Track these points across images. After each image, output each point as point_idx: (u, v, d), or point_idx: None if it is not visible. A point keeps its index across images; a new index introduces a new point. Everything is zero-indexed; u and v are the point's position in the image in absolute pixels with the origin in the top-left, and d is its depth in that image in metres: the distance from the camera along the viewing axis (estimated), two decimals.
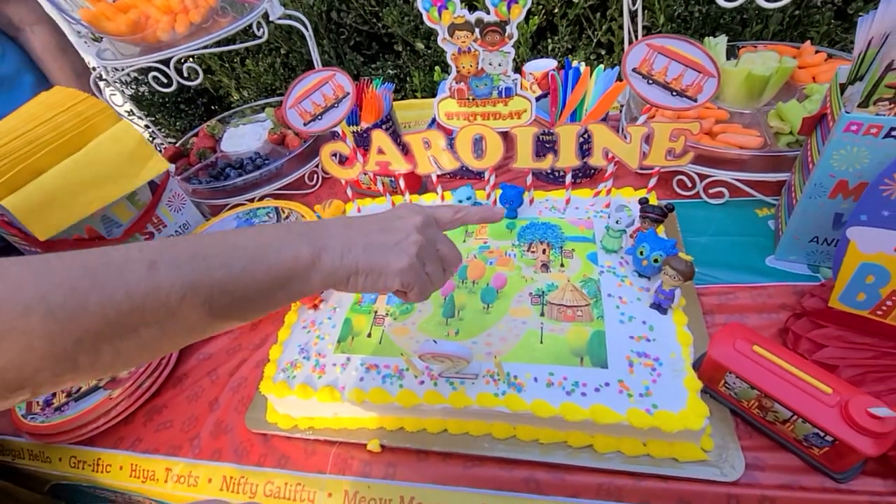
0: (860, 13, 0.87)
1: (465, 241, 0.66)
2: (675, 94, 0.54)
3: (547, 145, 0.73)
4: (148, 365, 0.63)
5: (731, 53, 0.80)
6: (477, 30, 0.54)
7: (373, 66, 1.23)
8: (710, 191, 0.70)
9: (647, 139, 0.58)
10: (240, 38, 1.10)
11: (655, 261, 0.53)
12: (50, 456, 0.64)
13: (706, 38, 0.83)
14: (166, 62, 0.77)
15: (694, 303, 0.58)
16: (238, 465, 0.55)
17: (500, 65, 0.57)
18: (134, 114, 1.49)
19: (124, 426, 0.62)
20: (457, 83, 0.59)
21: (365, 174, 0.74)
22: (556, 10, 1.08)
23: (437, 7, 0.53)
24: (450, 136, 0.64)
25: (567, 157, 0.62)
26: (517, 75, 0.58)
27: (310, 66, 1.13)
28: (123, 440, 0.61)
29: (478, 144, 0.64)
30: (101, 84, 0.88)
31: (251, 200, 0.90)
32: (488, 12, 0.53)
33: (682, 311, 0.53)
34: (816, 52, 0.77)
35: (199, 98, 1.44)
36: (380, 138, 0.66)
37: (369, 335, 0.57)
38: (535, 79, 0.88)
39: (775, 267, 0.61)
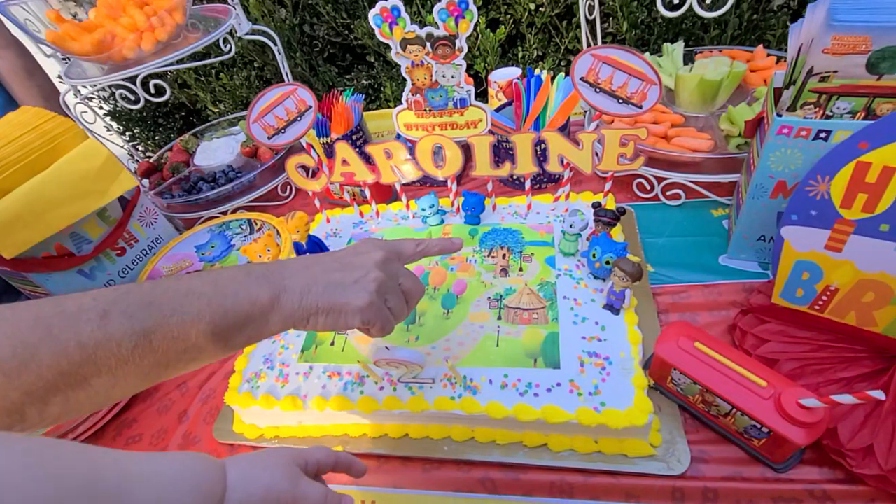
0: None
1: None
2: (621, 101, 0.56)
3: (509, 152, 0.75)
4: None
5: (690, 58, 0.83)
6: (428, 44, 0.56)
7: (347, 77, 1.25)
8: (668, 193, 0.72)
9: (601, 144, 0.60)
10: (214, 53, 1.12)
11: (607, 263, 0.55)
12: None
13: (665, 44, 0.86)
14: (133, 79, 0.78)
15: (649, 302, 0.59)
16: None
17: (452, 76, 0.58)
18: (112, 129, 1.50)
19: (94, 441, 0.63)
20: (413, 95, 0.61)
21: (332, 184, 0.75)
22: (523, 19, 1.10)
23: (388, 23, 0.55)
24: (411, 144, 0.65)
25: (524, 165, 0.64)
26: (470, 86, 0.59)
27: (283, 79, 1.14)
28: None
29: (438, 154, 0.65)
30: (74, 101, 0.89)
31: (224, 213, 0.91)
32: (438, 27, 0.54)
33: (633, 310, 0.54)
34: (768, 55, 0.79)
35: (177, 112, 1.44)
36: (343, 150, 0.68)
37: (332, 343, 0.58)
38: (499, 87, 0.90)
39: (727, 265, 0.63)
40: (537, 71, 0.80)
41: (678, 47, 0.83)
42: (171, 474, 0.26)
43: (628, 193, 0.76)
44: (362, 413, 0.52)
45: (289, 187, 0.96)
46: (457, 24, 0.54)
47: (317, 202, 0.77)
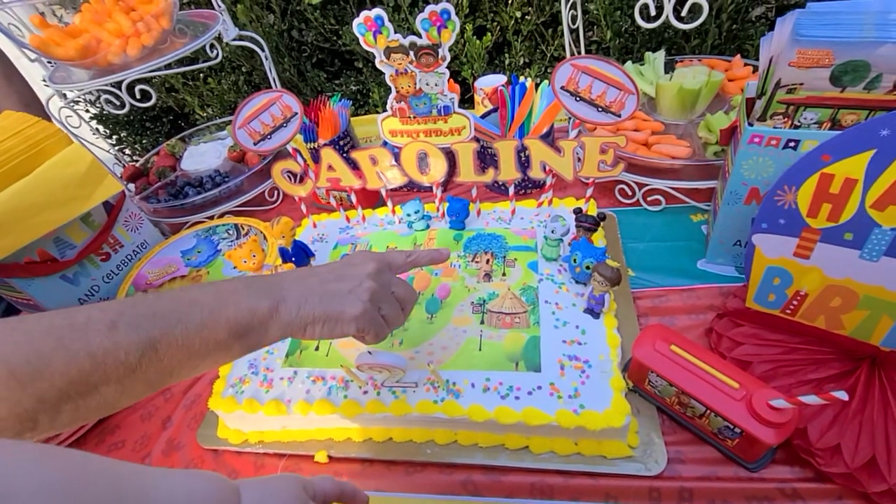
0: None
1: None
2: (600, 109, 0.58)
3: (495, 158, 0.76)
4: None
5: (671, 67, 0.85)
6: (411, 52, 0.57)
7: (335, 82, 1.25)
8: (649, 198, 0.74)
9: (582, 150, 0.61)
10: (202, 58, 1.12)
11: (587, 267, 0.56)
12: None
13: (647, 52, 0.88)
14: (118, 84, 0.77)
15: (629, 306, 0.61)
16: None
17: (436, 84, 0.59)
18: (98, 133, 1.48)
19: (76, 447, 0.62)
20: (397, 102, 0.62)
21: (319, 189, 0.76)
22: (509, 27, 1.12)
23: (372, 32, 0.56)
24: (396, 151, 0.66)
25: (508, 171, 0.65)
26: (454, 94, 0.60)
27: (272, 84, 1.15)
28: None
29: (423, 160, 0.66)
30: (59, 105, 0.89)
31: (211, 218, 0.91)
32: (421, 36, 0.55)
33: (613, 315, 0.55)
34: (745, 64, 0.82)
35: (165, 116, 1.44)
36: (329, 155, 0.68)
37: (317, 348, 0.59)
38: (485, 94, 0.91)
39: (706, 270, 0.64)
40: (522, 78, 0.81)
41: (659, 56, 0.85)
42: (192, 494, 0.26)
43: (610, 199, 0.78)
44: (346, 417, 0.52)
45: (276, 192, 0.96)
46: (439, 33, 0.55)
47: (303, 207, 0.77)
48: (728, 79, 0.79)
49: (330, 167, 0.69)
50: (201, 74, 1.27)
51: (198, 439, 0.59)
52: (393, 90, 0.61)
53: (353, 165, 0.69)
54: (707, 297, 0.61)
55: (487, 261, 0.64)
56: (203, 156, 0.99)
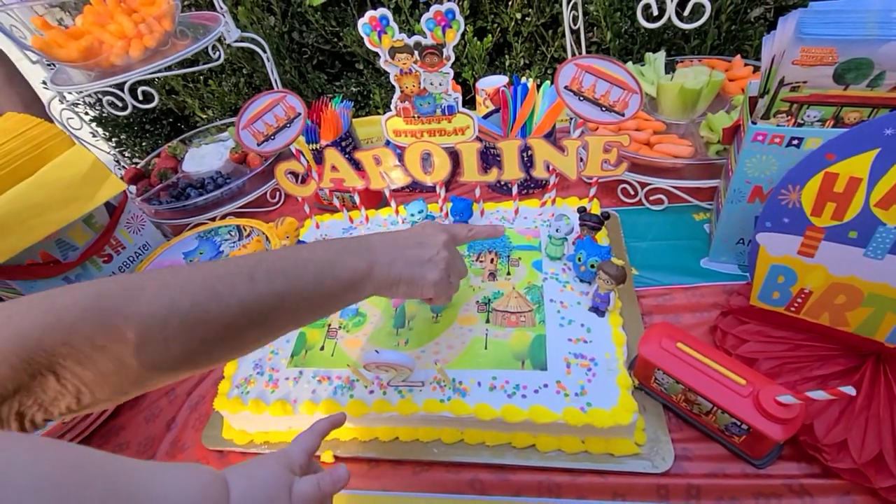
0: None
1: None
2: (604, 109, 0.58)
3: (497, 158, 0.76)
4: None
5: (671, 67, 0.85)
6: (416, 52, 0.57)
7: (336, 84, 1.26)
8: (651, 198, 0.74)
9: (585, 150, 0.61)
10: (203, 60, 1.12)
11: (592, 266, 0.56)
12: None
13: (647, 53, 0.88)
14: (121, 86, 0.77)
15: (633, 304, 0.61)
16: None
17: (440, 84, 0.60)
18: (98, 135, 1.48)
19: None
20: (401, 102, 0.62)
21: (321, 190, 0.76)
22: (510, 28, 1.12)
23: (377, 31, 0.56)
24: (399, 151, 0.66)
25: (511, 171, 0.65)
26: (458, 94, 0.60)
27: (273, 86, 1.15)
28: None
29: (427, 160, 0.66)
30: (60, 108, 0.89)
31: (213, 219, 0.91)
32: (425, 36, 0.55)
33: (618, 312, 0.55)
34: (745, 65, 0.82)
35: (165, 118, 1.44)
36: (332, 156, 0.68)
37: (322, 348, 0.59)
38: (487, 95, 0.92)
39: (709, 268, 0.65)
40: (524, 79, 0.82)
41: (660, 56, 0.86)
42: (183, 487, 0.27)
43: (613, 198, 0.78)
44: (352, 417, 0.52)
45: (278, 193, 0.96)
46: (444, 33, 0.55)
47: (306, 208, 0.77)
48: (728, 79, 0.80)
49: (333, 167, 0.69)
50: (202, 77, 1.27)
51: (203, 440, 0.58)
52: (397, 90, 0.61)
53: (357, 166, 0.69)
54: (711, 296, 0.61)
55: (492, 260, 0.64)
56: (204, 157, 0.99)
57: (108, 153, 1.13)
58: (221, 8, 0.87)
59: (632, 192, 0.76)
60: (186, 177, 0.97)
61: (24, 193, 0.66)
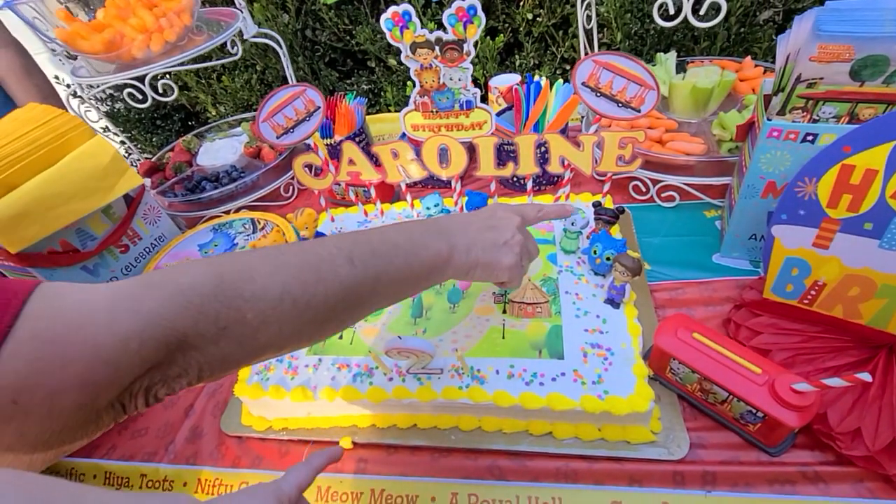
0: None
1: None
2: (620, 105, 0.59)
3: (510, 154, 0.78)
4: None
5: (682, 68, 0.86)
6: (437, 47, 0.58)
7: (347, 81, 1.27)
8: (663, 195, 0.75)
9: (600, 147, 0.62)
10: (216, 55, 1.13)
11: (608, 259, 0.57)
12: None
13: (658, 53, 0.89)
14: (141, 79, 0.79)
15: (646, 298, 0.62)
16: (213, 467, 0.56)
17: (459, 79, 0.61)
18: (109, 130, 1.50)
19: (101, 435, 0.63)
20: (420, 97, 0.63)
21: (338, 184, 0.77)
22: (521, 28, 1.14)
23: (399, 27, 0.57)
24: (417, 146, 0.67)
25: (526, 166, 0.66)
26: (476, 89, 0.62)
27: (285, 81, 1.16)
28: (98, 449, 0.61)
29: (443, 154, 0.67)
30: (76, 101, 0.90)
31: (227, 213, 0.92)
32: (447, 31, 0.57)
33: (633, 305, 0.56)
34: (756, 65, 0.83)
35: (176, 114, 1.45)
36: (350, 150, 0.70)
37: (341, 337, 0.59)
38: (500, 92, 0.93)
39: (721, 263, 0.66)
40: (537, 77, 0.83)
41: (671, 57, 0.87)
42: None
43: (625, 195, 0.79)
44: (372, 403, 0.53)
45: (291, 187, 0.97)
46: (465, 28, 0.56)
47: (322, 201, 0.78)
48: (739, 79, 0.81)
49: (351, 161, 0.70)
50: (215, 73, 1.29)
51: (221, 426, 0.59)
52: (417, 85, 0.62)
53: (373, 160, 0.70)
54: (723, 290, 0.62)
55: None
56: (219, 151, 1.00)
57: (122, 147, 1.14)
58: (240, 4, 0.88)
59: (643, 190, 0.77)
60: (201, 170, 0.98)
61: (46, 183, 0.67)
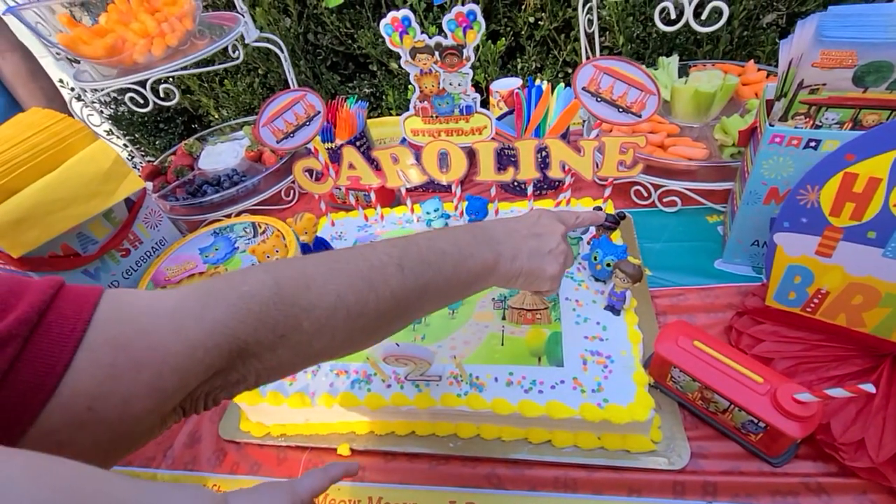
0: None
1: None
2: (621, 110, 0.59)
3: (510, 159, 0.77)
4: None
5: (684, 72, 0.86)
6: (436, 53, 0.58)
7: (349, 85, 1.27)
8: (664, 199, 0.75)
9: (601, 152, 0.62)
10: (218, 60, 1.13)
11: (608, 265, 0.57)
12: None
13: (661, 57, 0.89)
14: (143, 83, 0.79)
15: (647, 304, 0.61)
16: (211, 473, 0.56)
17: (459, 84, 0.60)
18: (112, 133, 1.50)
19: None
20: (420, 102, 0.63)
21: (338, 189, 0.77)
22: (523, 32, 1.13)
23: (399, 32, 0.57)
24: (417, 151, 0.67)
25: (527, 170, 0.66)
26: (476, 94, 0.61)
27: (287, 85, 1.16)
28: None
29: (443, 159, 0.67)
30: (79, 105, 0.90)
31: (228, 216, 0.92)
32: (446, 37, 0.57)
33: (633, 311, 0.56)
34: (758, 70, 0.83)
35: (178, 117, 1.46)
36: (350, 154, 0.69)
37: None
38: (501, 96, 0.93)
39: (723, 269, 0.65)
40: (538, 81, 0.83)
41: (673, 61, 0.86)
42: None
43: (626, 200, 0.78)
44: (369, 410, 0.52)
45: (292, 192, 0.97)
46: (465, 34, 0.56)
47: (322, 205, 0.78)
48: (742, 83, 0.80)
49: (351, 166, 0.70)
50: (217, 76, 1.29)
51: (220, 432, 0.59)
52: (416, 90, 0.62)
53: (374, 164, 0.70)
54: (725, 296, 0.61)
55: None
56: (220, 155, 1.01)
57: (124, 150, 1.15)
58: (242, 8, 0.88)
59: (645, 194, 0.76)
60: (202, 174, 0.98)
61: (48, 187, 0.67)
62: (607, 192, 0.67)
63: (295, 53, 1.21)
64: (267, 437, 0.57)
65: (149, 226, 0.85)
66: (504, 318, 0.57)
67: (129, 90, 0.79)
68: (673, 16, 0.62)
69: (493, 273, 0.41)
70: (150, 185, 0.98)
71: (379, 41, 1.16)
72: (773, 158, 0.53)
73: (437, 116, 0.64)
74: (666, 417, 0.50)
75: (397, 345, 0.48)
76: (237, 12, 0.92)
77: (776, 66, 0.96)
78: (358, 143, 0.91)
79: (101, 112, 1.49)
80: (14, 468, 0.19)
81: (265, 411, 0.56)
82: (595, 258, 0.58)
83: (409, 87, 1.21)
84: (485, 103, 1.03)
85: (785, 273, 0.50)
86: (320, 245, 0.67)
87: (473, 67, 1.18)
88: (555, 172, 0.65)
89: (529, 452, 0.50)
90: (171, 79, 1.32)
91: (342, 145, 0.80)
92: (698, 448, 0.48)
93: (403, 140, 0.69)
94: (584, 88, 0.59)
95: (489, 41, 1.11)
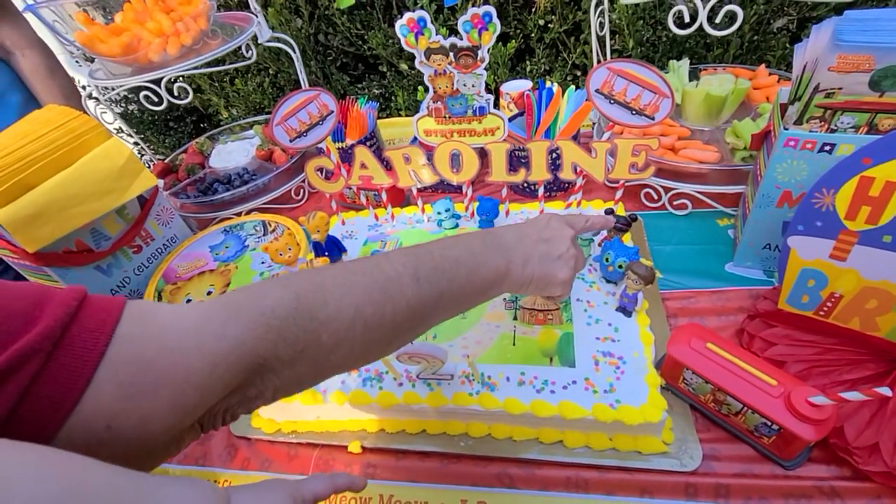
0: None
1: None
2: (634, 112, 0.59)
3: (521, 160, 0.77)
4: None
5: (694, 75, 0.86)
6: (451, 54, 0.58)
7: (359, 86, 1.28)
8: (675, 202, 0.75)
9: (613, 154, 0.62)
10: (230, 59, 1.14)
11: (620, 266, 0.57)
12: None
13: (671, 61, 0.89)
14: (157, 82, 0.80)
15: (658, 306, 0.61)
16: (222, 469, 0.57)
17: (473, 86, 0.61)
18: (123, 131, 1.51)
19: None
20: (434, 102, 0.63)
21: (349, 188, 0.77)
22: (533, 35, 1.14)
23: (414, 33, 0.58)
24: (429, 151, 0.68)
25: (538, 172, 0.66)
26: (490, 95, 0.62)
27: (297, 85, 1.17)
28: None
29: (455, 159, 0.68)
30: (91, 103, 0.91)
31: (238, 215, 0.92)
32: (461, 38, 0.57)
33: (645, 313, 0.56)
34: (770, 74, 0.83)
35: (189, 116, 1.47)
36: (362, 154, 0.70)
37: None
38: (511, 98, 0.93)
39: (734, 273, 0.65)
40: (548, 84, 0.83)
41: (684, 64, 0.86)
42: (187, 501, 0.26)
43: (636, 203, 0.79)
44: (381, 408, 0.53)
45: (302, 191, 0.98)
46: (480, 35, 0.56)
47: (333, 204, 0.78)
48: (753, 87, 0.81)
49: (363, 165, 0.71)
50: (228, 76, 1.30)
51: (231, 428, 0.59)
52: (430, 90, 0.62)
53: (385, 164, 0.70)
54: (736, 300, 0.61)
55: None
56: (231, 154, 1.01)
57: (136, 147, 1.16)
58: (255, 8, 0.89)
59: (655, 197, 0.77)
60: (213, 172, 0.99)
61: (63, 183, 0.68)
62: (618, 194, 0.67)
63: (305, 54, 1.22)
64: (278, 434, 0.58)
65: (160, 223, 0.85)
66: (515, 319, 0.58)
67: (143, 88, 0.80)
68: (687, 19, 0.62)
69: (505, 279, 0.41)
70: (161, 182, 0.99)
71: (389, 42, 1.17)
72: (787, 162, 0.53)
73: (450, 117, 0.65)
74: (678, 419, 0.50)
75: (411, 343, 0.48)
76: (250, 12, 0.93)
77: (787, 70, 0.97)
78: (368, 143, 0.92)
79: (113, 110, 1.50)
80: (27, 463, 0.20)
81: (276, 408, 0.57)
82: (607, 259, 0.58)
83: (419, 88, 1.22)
84: (494, 105, 1.04)
85: (798, 276, 0.50)
86: (332, 243, 0.67)
87: (484, 70, 1.19)
88: (566, 174, 0.65)
89: (541, 452, 0.50)
90: (182, 77, 1.33)
91: (353, 145, 0.81)
92: (710, 450, 0.48)
93: (414, 140, 0.70)
94: (597, 91, 0.59)
95: (499, 43, 1.11)
